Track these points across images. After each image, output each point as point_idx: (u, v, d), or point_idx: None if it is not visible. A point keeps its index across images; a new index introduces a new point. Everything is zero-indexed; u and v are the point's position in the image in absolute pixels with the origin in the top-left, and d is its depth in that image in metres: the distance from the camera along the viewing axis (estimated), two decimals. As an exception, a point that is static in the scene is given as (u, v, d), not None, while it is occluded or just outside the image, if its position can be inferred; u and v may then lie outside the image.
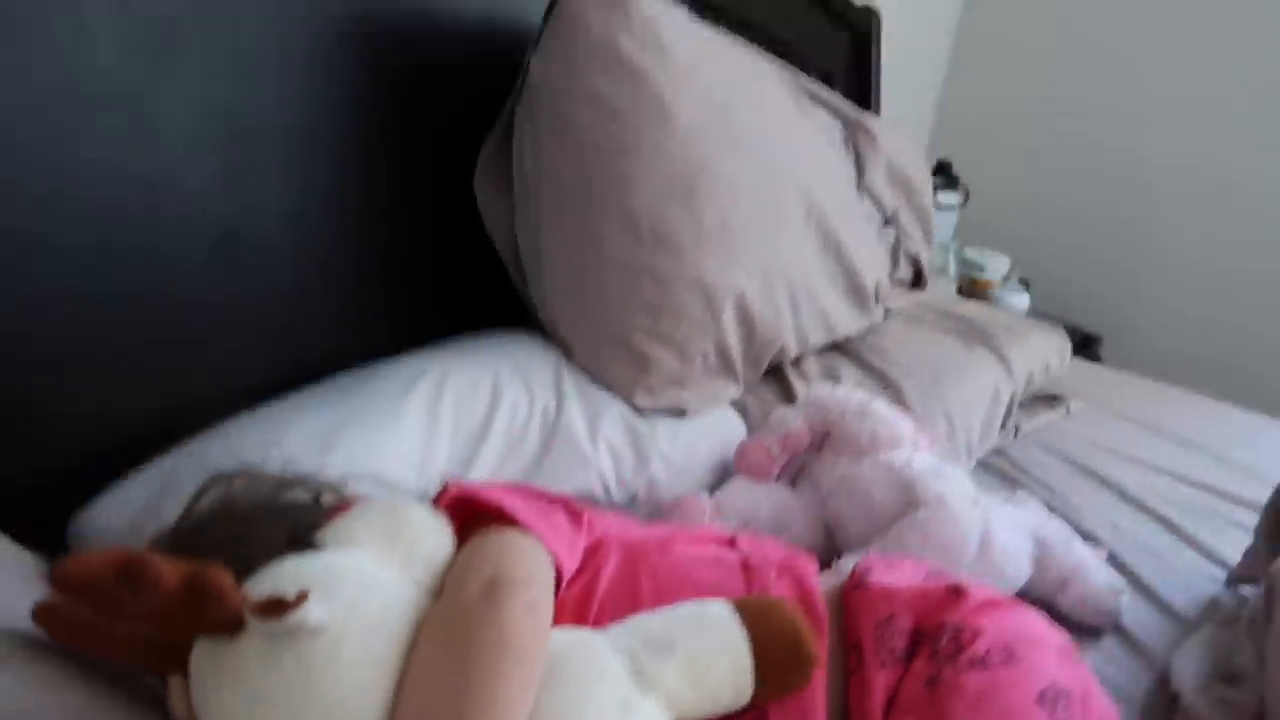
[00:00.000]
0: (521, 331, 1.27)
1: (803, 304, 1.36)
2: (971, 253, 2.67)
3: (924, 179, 1.81)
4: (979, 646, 0.72)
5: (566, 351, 1.22)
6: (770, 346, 1.32)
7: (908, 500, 1.05)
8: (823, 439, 1.18)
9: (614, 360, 1.20)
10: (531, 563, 0.65)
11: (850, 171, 1.60)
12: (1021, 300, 2.41)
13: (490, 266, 1.30)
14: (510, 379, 1.14)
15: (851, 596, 0.79)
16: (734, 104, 1.26)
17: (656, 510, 1.14)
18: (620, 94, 1.13)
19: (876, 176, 1.65)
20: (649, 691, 0.60)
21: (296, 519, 0.72)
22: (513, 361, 1.17)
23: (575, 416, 1.14)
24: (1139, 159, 2.73)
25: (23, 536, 0.77)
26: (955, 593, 0.77)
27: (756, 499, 1.15)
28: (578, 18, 1.14)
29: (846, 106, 1.67)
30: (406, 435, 1.01)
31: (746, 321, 1.27)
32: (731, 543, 0.83)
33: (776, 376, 1.39)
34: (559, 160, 1.16)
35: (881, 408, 1.15)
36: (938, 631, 0.74)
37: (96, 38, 0.86)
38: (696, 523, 1.10)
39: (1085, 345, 2.64)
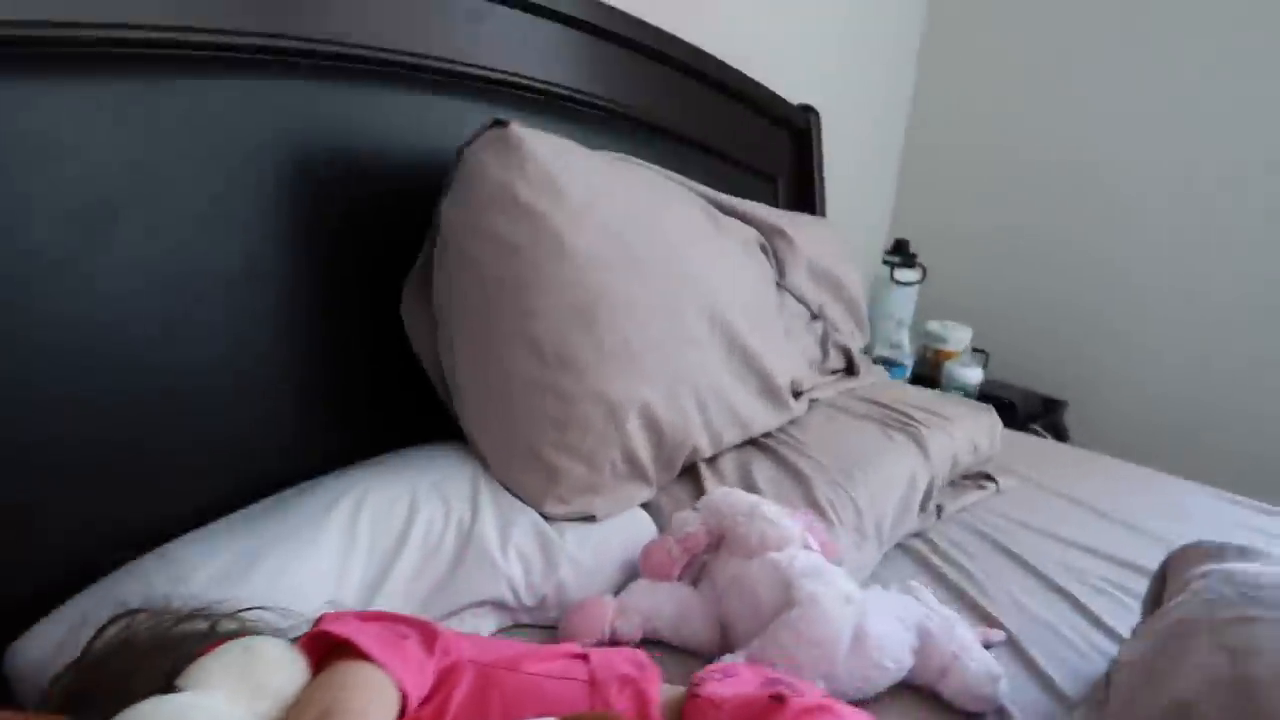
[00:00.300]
0: (450, 444, 1.37)
1: (711, 406, 1.45)
2: (934, 325, 2.76)
3: (849, 272, 1.91)
4: None
5: (483, 463, 1.33)
6: (681, 448, 1.41)
7: (787, 598, 1.13)
8: (719, 540, 1.27)
9: (525, 472, 1.30)
10: (372, 693, 0.74)
11: (770, 274, 1.71)
12: (974, 374, 2.48)
13: (425, 385, 1.41)
14: (428, 494, 1.24)
15: (687, 707, 0.87)
16: (633, 230, 1.37)
17: (564, 612, 1.23)
18: (517, 232, 1.25)
19: (798, 275, 1.76)
20: None
21: (187, 651, 0.81)
22: (432, 476, 1.27)
23: (488, 526, 1.23)
24: (1092, 237, 2.81)
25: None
26: (777, 700, 0.84)
27: (659, 599, 1.23)
28: (477, 165, 1.26)
29: (766, 213, 1.78)
30: (324, 554, 1.11)
31: (654, 428, 1.37)
32: (584, 658, 0.91)
33: (691, 474, 1.48)
34: (467, 292, 1.28)
35: (770, 510, 1.24)
36: None
37: (33, 217, 0.99)
38: (597, 625, 1.19)
39: (1049, 410, 2.71)
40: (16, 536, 1.02)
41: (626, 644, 1.19)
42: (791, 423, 1.66)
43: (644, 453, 1.37)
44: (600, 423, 1.30)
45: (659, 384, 1.36)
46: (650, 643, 1.22)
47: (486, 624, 1.21)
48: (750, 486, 1.45)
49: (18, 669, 0.94)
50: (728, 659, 1.10)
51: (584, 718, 0.73)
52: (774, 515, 1.23)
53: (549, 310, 1.26)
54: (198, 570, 1.01)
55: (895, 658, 1.13)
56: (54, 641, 0.93)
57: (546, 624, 1.25)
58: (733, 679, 0.90)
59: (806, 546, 1.23)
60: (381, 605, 1.10)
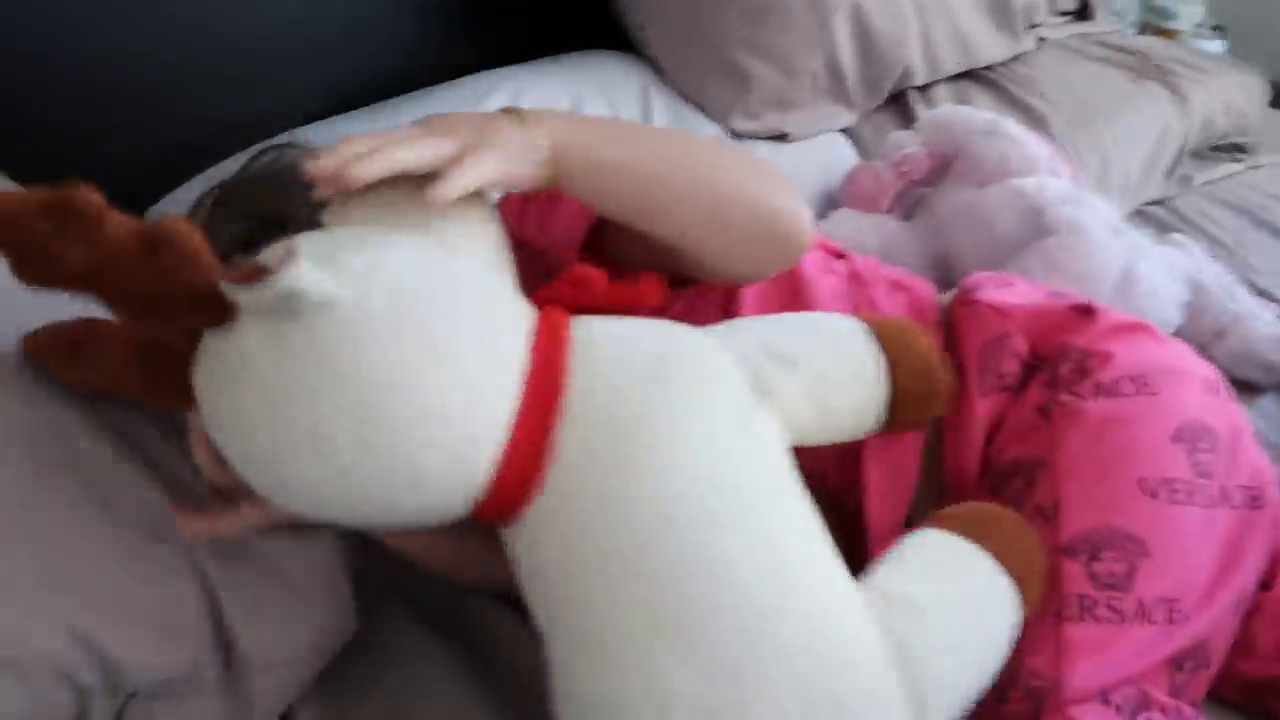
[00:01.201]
0: (608, 52, 1.15)
1: (934, 18, 1.18)
2: (1161, -1, 2.32)
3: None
4: (1107, 373, 0.61)
5: (657, 69, 1.11)
6: (892, 67, 1.16)
7: (1036, 229, 0.91)
8: (944, 166, 1.04)
9: (710, 78, 1.08)
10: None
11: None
12: (1212, 45, 2.09)
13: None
14: (593, 97, 1.04)
15: (957, 314, 0.68)
16: None
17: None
18: None
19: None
20: (769, 406, 0.51)
21: None
22: (597, 80, 1.07)
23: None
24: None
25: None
26: (1083, 312, 0.65)
27: (863, 231, 1.03)
28: None
29: None
30: None
31: (863, 34, 1.11)
32: (839, 254, 0.74)
33: (898, 104, 1.23)
34: None
35: (1013, 127, 1.00)
36: (1059, 355, 0.63)
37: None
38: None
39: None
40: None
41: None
42: (1017, 59, 1.36)
43: (849, 64, 1.12)
44: (803, 15, 1.05)
45: (876, -25, 1.09)
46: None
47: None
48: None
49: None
50: (947, 298, 0.90)
51: (884, 324, 0.56)
52: (1018, 132, 0.99)
53: None
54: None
55: (1163, 310, 0.92)
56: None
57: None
58: (1015, 286, 0.70)
59: (1053, 174, 0.99)
60: None
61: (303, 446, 0.42)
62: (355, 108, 1.00)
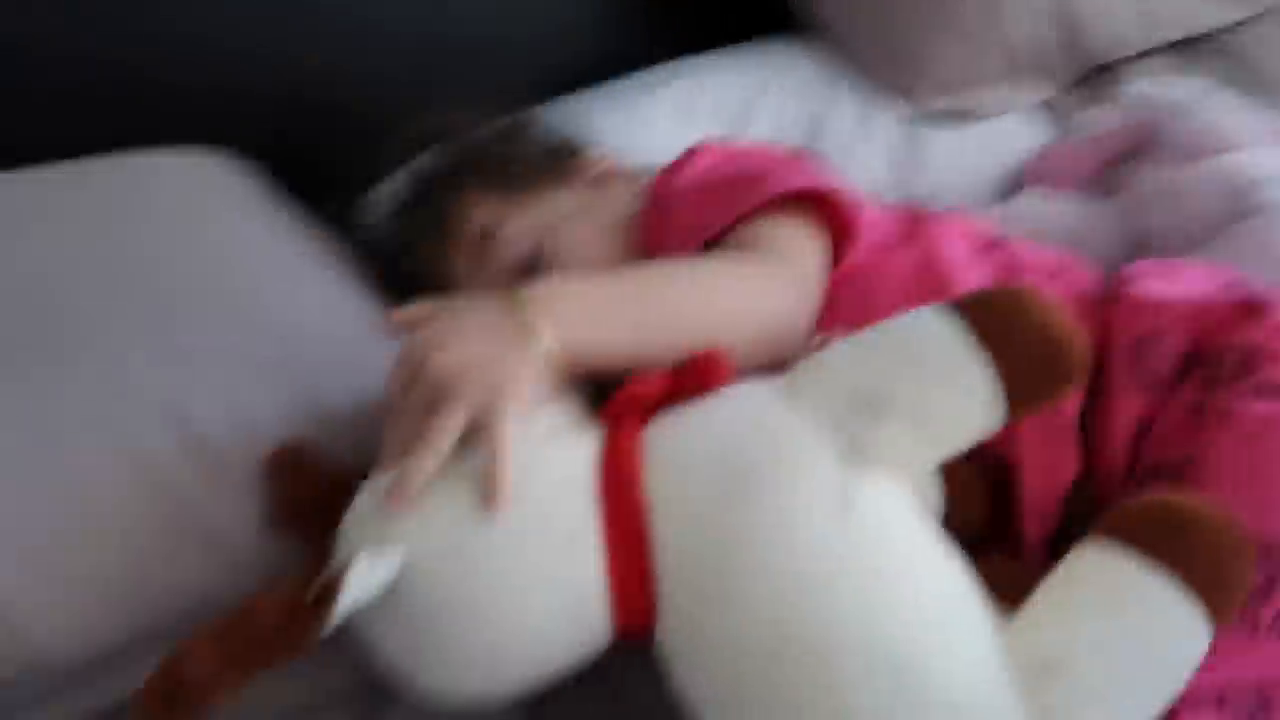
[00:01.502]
0: (785, 37, 1.15)
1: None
2: None
3: None
4: (1270, 374, 0.56)
5: (836, 52, 1.11)
6: (1097, 37, 1.08)
7: (1239, 210, 0.83)
8: (1144, 144, 0.97)
9: (889, 58, 1.07)
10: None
11: None
12: None
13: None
14: (774, 84, 1.06)
15: (1108, 309, 0.65)
16: None
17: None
18: None
19: None
20: (869, 469, 0.48)
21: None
22: (776, 64, 1.09)
23: (841, 122, 1.04)
24: None
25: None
26: (1250, 309, 0.60)
27: (1049, 213, 0.98)
28: None
29: None
30: (657, 130, 0.99)
31: (1062, 4, 1.05)
32: (994, 244, 0.72)
33: (1105, 76, 1.14)
34: None
35: (1222, 102, 0.91)
36: (1220, 354, 0.59)
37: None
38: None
39: None
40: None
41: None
42: (1243, 24, 1.22)
43: (1045, 35, 1.06)
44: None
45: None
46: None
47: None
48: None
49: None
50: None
51: (973, 301, 0.50)
52: (1226, 105, 0.91)
53: None
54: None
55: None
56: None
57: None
58: (1179, 275, 0.66)
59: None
60: None
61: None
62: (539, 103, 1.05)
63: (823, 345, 0.54)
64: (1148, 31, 1.13)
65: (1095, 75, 1.15)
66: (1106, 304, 0.65)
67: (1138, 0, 1.09)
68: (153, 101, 0.92)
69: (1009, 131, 1.08)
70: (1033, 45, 1.06)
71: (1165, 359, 0.60)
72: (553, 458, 0.51)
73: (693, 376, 0.53)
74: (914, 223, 0.73)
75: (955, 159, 1.04)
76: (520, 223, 0.75)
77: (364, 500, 0.51)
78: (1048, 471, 0.60)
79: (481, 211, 0.77)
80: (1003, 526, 0.60)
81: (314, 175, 0.91)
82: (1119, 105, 0.99)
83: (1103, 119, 0.99)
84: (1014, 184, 1.05)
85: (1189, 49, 1.19)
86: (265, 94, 0.96)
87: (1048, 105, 1.12)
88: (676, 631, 0.48)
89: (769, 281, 0.61)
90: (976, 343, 0.48)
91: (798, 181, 0.67)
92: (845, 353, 0.52)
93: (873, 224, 0.71)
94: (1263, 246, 0.80)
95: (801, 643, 0.45)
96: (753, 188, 0.66)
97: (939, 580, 0.47)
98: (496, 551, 0.47)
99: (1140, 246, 0.94)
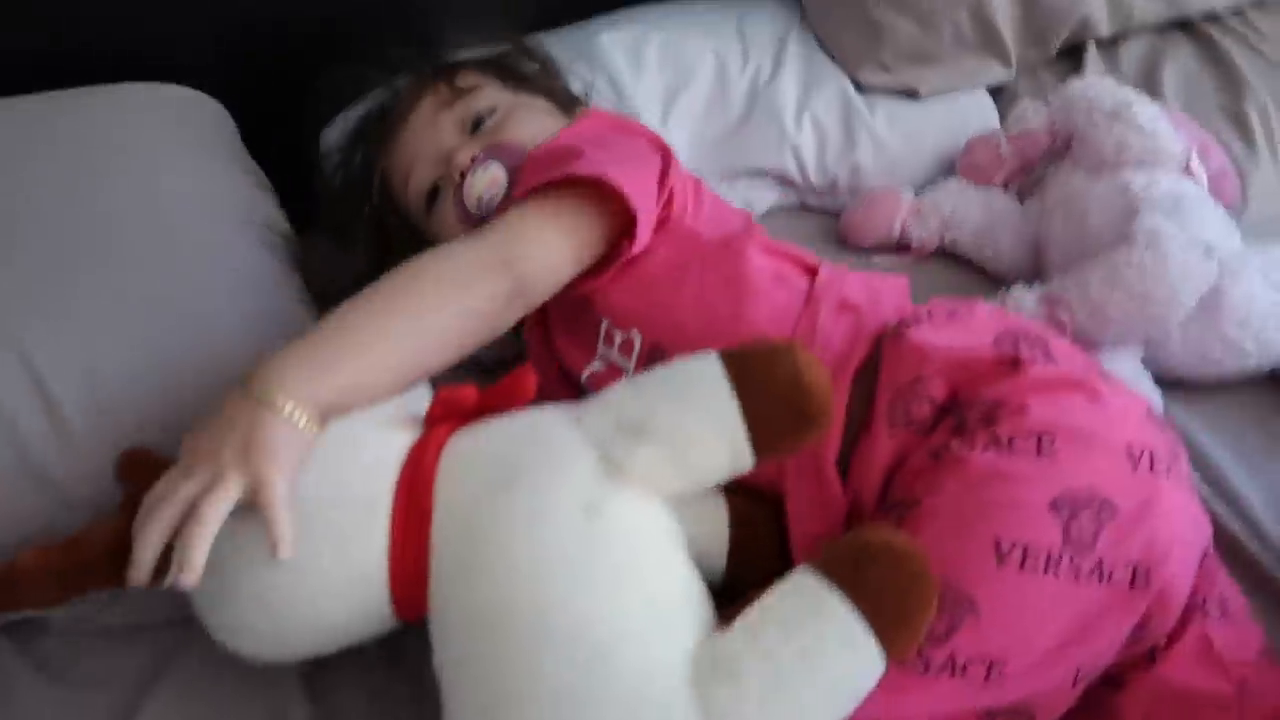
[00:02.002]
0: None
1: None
2: None
3: None
4: (1009, 426, 0.60)
5: (803, 11, 1.11)
6: (1062, 16, 1.06)
7: (1124, 232, 0.85)
8: (1066, 144, 0.97)
9: (844, 26, 1.06)
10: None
11: None
12: None
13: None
14: (728, 36, 1.07)
15: (886, 345, 0.68)
16: None
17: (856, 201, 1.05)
18: None
19: None
20: (621, 484, 0.56)
21: None
22: (736, 15, 1.09)
23: (787, 85, 1.05)
24: None
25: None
26: (1011, 364, 0.64)
27: (968, 204, 1.00)
28: None
29: None
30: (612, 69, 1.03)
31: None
32: (813, 271, 0.75)
33: (1074, 59, 1.12)
34: None
35: (1144, 113, 0.90)
36: (970, 404, 0.63)
37: None
38: (884, 221, 1.00)
39: None
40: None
41: (917, 251, 1.01)
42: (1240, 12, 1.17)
43: (1004, 13, 1.05)
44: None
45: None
46: (946, 256, 1.02)
47: (763, 198, 1.08)
48: (1151, 85, 1.08)
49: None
50: (1015, 291, 0.87)
51: (744, 353, 0.57)
52: (1147, 121, 0.90)
53: None
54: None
55: (1261, 339, 0.83)
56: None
57: (835, 210, 1.08)
58: (961, 321, 0.69)
59: (1187, 172, 0.90)
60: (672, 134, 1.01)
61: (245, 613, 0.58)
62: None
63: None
64: (1122, 14, 1.10)
65: (1069, 55, 1.13)
66: (886, 342, 0.68)
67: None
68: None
69: (957, 111, 1.07)
70: (988, 24, 1.05)
71: (924, 404, 0.64)
72: (371, 441, 0.60)
73: (500, 392, 0.62)
74: (738, 235, 0.75)
75: (889, 139, 1.05)
76: (499, 94, 0.85)
77: None
78: (812, 504, 0.65)
79: (473, 75, 0.87)
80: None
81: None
82: (1049, 105, 0.98)
83: (1031, 116, 0.98)
84: (949, 169, 1.05)
85: (1179, 32, 1.15)
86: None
87: (1010, 88, 1.11)
88: (434, 600, 0.57)
89: (469, 270, 0.64)
90: (732, 388, 0.55)
91: (594, 170, 0.67)
92: (629, 385, 0.60)
93: (679, 230, 0.74)
94: (1116, 281, 0.81)
95: (519, 619, 0.53)
96: (556, 165, 0.69)
97: (660, 587, 0.55)
98: (299, 515, 0.55)
99: (1040, 250, 0.96)
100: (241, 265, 0.82)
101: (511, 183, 0.76)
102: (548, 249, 0.68)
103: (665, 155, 0.76)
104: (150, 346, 0.72)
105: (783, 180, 1.07)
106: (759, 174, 1.06)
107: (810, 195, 1.08)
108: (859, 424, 0.66)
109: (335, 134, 1.02)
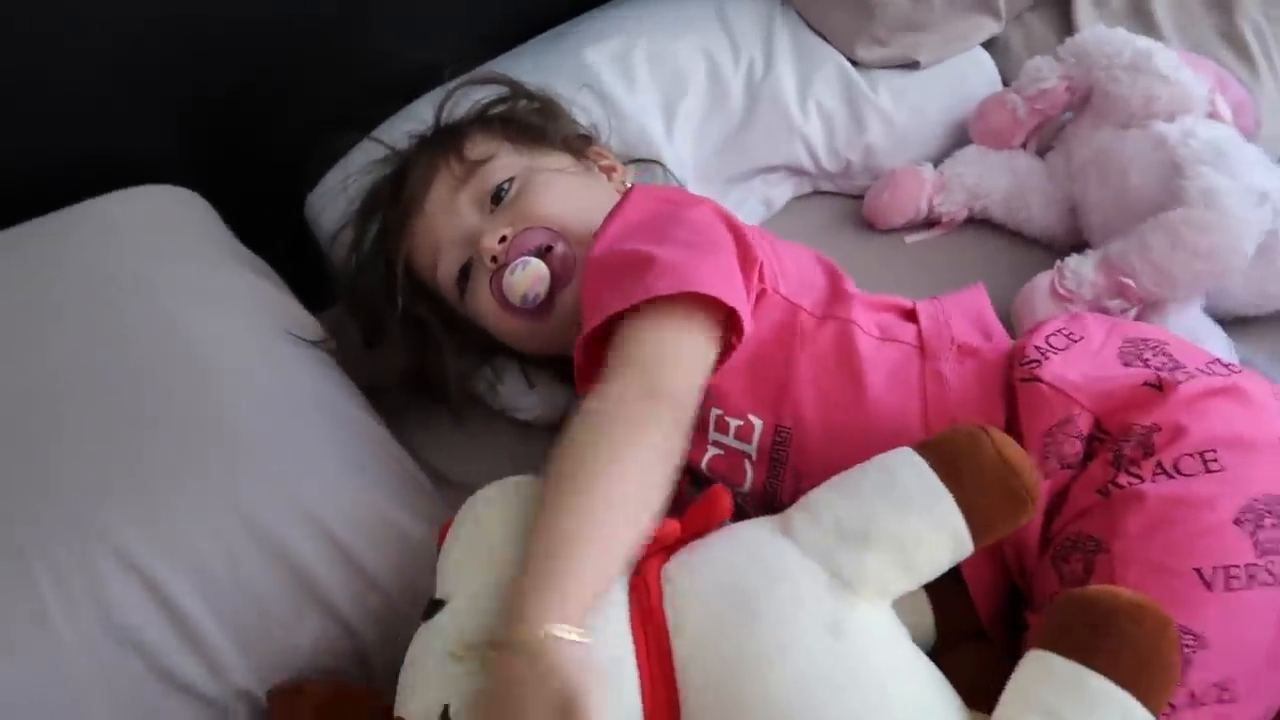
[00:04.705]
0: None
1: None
2: None
3: None
4: (1172, 451, 0.59)
5: (784, -1, 1.06)
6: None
7: (1171, 189, 0.84)
8: (1085, 97, 0.96)
9: (833, 3, 1.03)
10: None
11: None
12: None
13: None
14: (714, 31, 1.03)
15: (1021, 391, 0.67)
16: None
17: (874, 180, 1.03)
18: None
19: None
20: (856, 597, 0.54)
21: None
22: (717, 6, 1.05)
23: (784, 75, 1.02)
24: None
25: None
26: (1157, 388, 0.63)
27: (992, 170, 0.99)
28: None
29: None
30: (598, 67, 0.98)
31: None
32: (912, 314, 0.73)
33: (1061, 3, 1.10)
34: None
35: (1164, 61, 0.89)
36: (1124, 434, 0.62)
37: None
38: (910, 201, 0.98)
39: None
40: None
41: (948, 224, 0.99)
42: None
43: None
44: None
45: None
46: (977, 223, 1.01)
47: (782, 192, 1.06)
48: (1144, 15, 1.07)
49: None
50: (1071, 262, 0.87)
51: (941, 448, 0.56)
52: (1169, 68, 0.89)
53: None
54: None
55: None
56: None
57: (853, 192, 1.06)
58: (1081, 346, 0.68)
59: (1212, 114, 0.90)
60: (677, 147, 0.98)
61: None
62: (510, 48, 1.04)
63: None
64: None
65: (1045, 4, 1.11)
66: (1018, 385, 0.67)
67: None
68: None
69: (957, 74, 1.05)
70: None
71: (1075, 442, 0.63)
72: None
73: (698, 516, 0.60)
74: (834, 298, 0.73)
75: (897, 114, 1.03)
76: (513, 159, 0.82)
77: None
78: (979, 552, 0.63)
79: (480, 141, 0.83)
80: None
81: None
82: (1061, 58, 0.96)
83: (1044, 72, 0.96)
84: (962, 137, 1.04)
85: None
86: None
87: (1000, 40, 1.09)
88: None
89: (628, 429, 0.60)
90: (942, 480, 0.55)
91: (677, 283, 0.64)
92: (835, 489, 0.58)
93: (774, 304, 0.71)
94: (1179, 243, 0.81)
95: None
96: (629, 276, 0.65)
97: (919, 688, 0.54)
98: None
99: (1079, 212, 0.95)
100: (294, 387, 0.77)
101: (552, 272, 0.75)
102: (679, 367, 0.64)
103: (731, 225, 0.71)
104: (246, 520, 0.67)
105: (796, 171, 1.04)
106: (771, 170, 1.03)
107: (824, 181, 1.06)
108: None
109: (324, 199, 0.96)
